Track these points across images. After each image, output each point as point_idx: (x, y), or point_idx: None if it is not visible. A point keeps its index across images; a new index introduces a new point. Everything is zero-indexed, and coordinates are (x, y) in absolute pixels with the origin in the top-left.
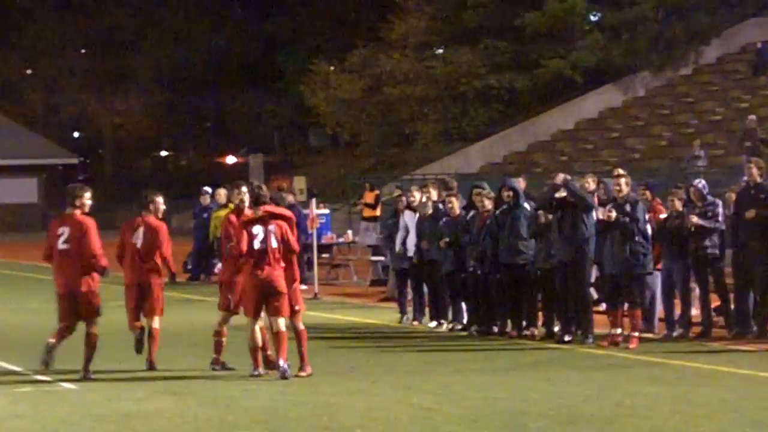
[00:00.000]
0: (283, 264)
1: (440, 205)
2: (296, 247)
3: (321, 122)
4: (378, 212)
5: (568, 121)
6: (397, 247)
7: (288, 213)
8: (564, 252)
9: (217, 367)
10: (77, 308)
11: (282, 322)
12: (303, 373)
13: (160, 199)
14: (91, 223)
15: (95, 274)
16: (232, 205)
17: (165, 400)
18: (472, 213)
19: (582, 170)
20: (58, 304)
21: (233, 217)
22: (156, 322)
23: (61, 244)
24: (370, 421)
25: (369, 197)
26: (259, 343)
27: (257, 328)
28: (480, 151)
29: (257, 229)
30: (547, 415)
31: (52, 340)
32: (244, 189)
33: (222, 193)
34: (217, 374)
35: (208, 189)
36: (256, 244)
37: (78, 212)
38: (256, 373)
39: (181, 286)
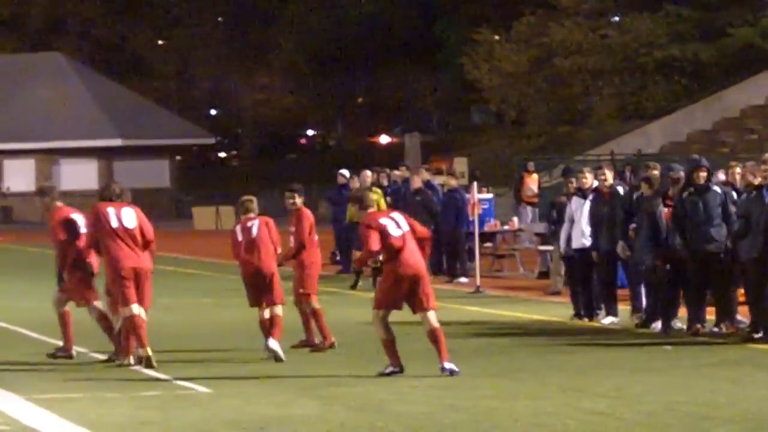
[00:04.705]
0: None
1: (619, 188)
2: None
3: (484, 98)
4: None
5: (758, 95)
6: (562, 245)
7: None
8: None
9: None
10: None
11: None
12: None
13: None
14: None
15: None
16: (378, 189)
17: (309, 404)
18: (638, 194)
19: None
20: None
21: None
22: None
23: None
24: (536, 427)
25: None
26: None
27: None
28: (660, 129)
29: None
30: (732, 420)
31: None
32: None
33: (368, 175)
34: (366, 376)
35: (346, 172)
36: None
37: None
38: (388, 370)
39: (330, 280)
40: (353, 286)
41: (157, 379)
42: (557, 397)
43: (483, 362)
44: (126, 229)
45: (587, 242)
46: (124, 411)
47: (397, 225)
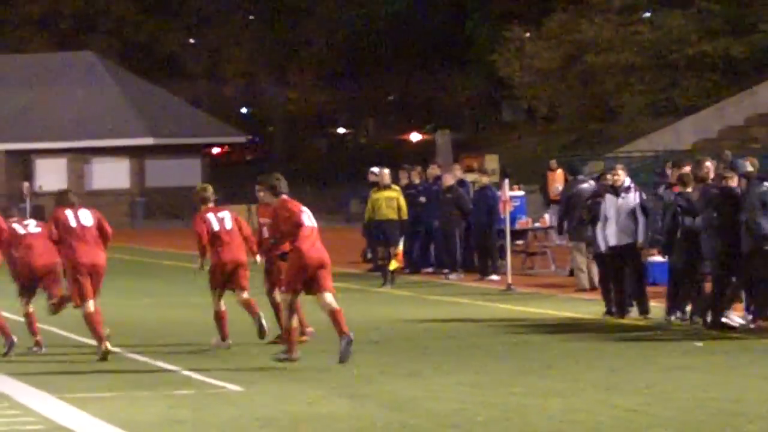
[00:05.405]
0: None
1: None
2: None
3: (515, 95)
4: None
5: None
6: (601, 244)
7: None
8: None
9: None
10: None
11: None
12: None
13: None
14: None
15: None
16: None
17: (340, 402)
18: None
19: None
20: None
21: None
22: None
23: None
24: (568, 424)
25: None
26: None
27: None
28: (692, 126)
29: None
30: (764, 417)
31: None
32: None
33: (386, 173)
34: (397, 374)
35: (376, 170)
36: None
37: None
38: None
39: (361, 278)
40: (383, 284)
41: (189, 378)
42: (589, 394)
43: (515, 360)
44: (84, 228)
45: (630, 239)
46: (156, 410)
47: (309, 217)
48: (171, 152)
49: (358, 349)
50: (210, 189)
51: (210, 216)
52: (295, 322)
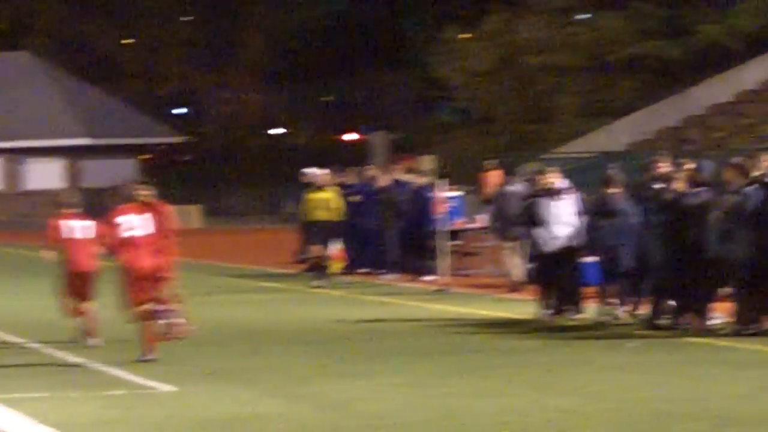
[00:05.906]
0: None
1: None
2: None
3: (451, 96)
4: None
5: (725, 93)
6: (547, 246)
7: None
8: None
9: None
10: None
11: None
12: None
13: None
14: None
15: None
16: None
17: (274, 403)
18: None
19: (741, 148)
20: None
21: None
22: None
23: None
24: (502, 425)
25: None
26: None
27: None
28: (627, 127)
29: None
30: (695, 417)
31: None
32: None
33: (320, 174)
34: (334, 375)
35: (308, 171)
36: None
37: None
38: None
39: (296, 279)
40: (317, 283)
41: (121, 378)
42: (524, 394)
43: (450, 360)
44: None
45: (568, 241)
46: (88, 410)
47: (136, 225)
48: (106, 152)
49: (292, 349)
50: (72, 194)
51: (62, 223)
52: (155, 327)
